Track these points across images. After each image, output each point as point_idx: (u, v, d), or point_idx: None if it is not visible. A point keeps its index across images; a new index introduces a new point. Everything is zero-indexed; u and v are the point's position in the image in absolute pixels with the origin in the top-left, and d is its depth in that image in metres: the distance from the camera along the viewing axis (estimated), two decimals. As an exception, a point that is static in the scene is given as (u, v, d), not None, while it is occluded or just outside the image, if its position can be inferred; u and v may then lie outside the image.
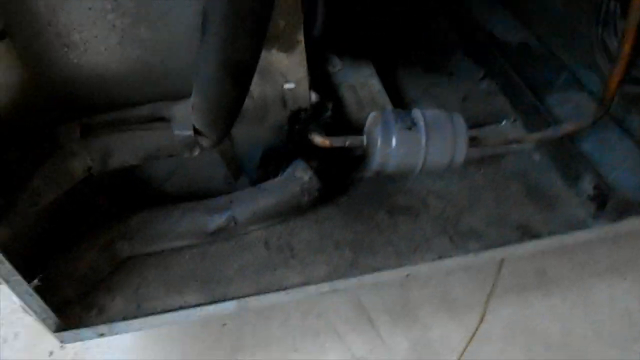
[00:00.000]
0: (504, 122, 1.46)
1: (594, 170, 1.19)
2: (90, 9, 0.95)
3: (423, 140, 1.09)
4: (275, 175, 1.23)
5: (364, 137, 1.16)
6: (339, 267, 1.14)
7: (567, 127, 1.22)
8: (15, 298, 1.02)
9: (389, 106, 1.46)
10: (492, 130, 1.41)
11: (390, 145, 1.10)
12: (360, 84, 1.56)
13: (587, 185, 1.18)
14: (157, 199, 1.23)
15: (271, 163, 1.23)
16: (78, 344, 1.34)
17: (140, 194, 1.23)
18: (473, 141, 1.15)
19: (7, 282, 0.94)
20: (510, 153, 1.34)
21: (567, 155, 1.25)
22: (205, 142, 1.01)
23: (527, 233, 1.16)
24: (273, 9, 0.88)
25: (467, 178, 1.30)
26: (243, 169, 1.25)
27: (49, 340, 1.38)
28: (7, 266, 0.92)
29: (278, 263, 1.16)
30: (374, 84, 1.55)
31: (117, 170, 1.08)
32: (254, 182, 1.25)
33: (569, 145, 1.25)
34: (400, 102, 1.56)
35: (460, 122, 1.13)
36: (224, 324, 1.39)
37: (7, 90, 0.97)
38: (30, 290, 0.98)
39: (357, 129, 1.34)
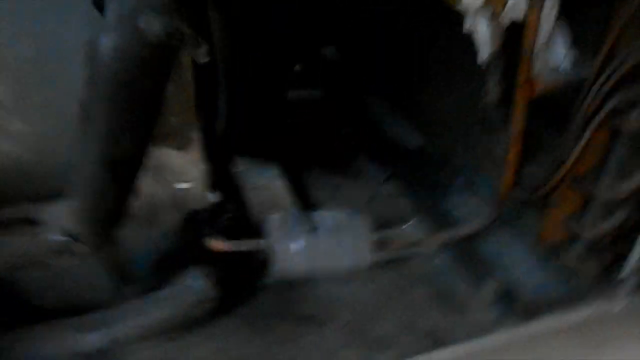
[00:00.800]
0: (407, 224, 1.46)
1: (496, 272, 1.19)
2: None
3: (324, 244, 1.05)
4: (167, 284, 1.10)
5: (265, 241, 1.09)
6: (236, 390, 1.00)
7: (465, 229, 1.24)
8: None
9: (294, 208, 1.42)
10: (396, 233, 1.40)
11: (290, 249, 1.04)
12: (265, 185, 1.52)
13: (491, 287, 1.17)
14: (23, 316, 1.05)
15: (163, 270, 1.11)
16: None
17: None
18: (377, 244, 1.12)
19: None
20: (414, 256, 1.32)
21: (468, 258, 1.26)
22: (81, 248, 0.89)
23: (437, 341, 1.11)
24: (162, 103, 0.83)
25: (374, 282, 1.25)
26: (130, 277, 1.12)
27: None
28: None
29: (165, 389, 1.00)
30: (279, 186, 1.51)
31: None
32: (142, 293, 1.11)
33: (469, 247, 1.26)
34: (306, 204, 1.52)
35: (362, 224, 1.11)
36: None
37: None
38: None
39: (260, 231, 1.27)
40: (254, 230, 1.33)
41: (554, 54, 1.05)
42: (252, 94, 1.47)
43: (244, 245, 1.08)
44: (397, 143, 1.71)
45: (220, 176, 1.44)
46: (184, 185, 1.05)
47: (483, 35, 1.14)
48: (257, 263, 1.22)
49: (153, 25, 0.72)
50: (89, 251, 0.90)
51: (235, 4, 1.23)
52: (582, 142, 1.00)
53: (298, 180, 1.64)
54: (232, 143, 1.61)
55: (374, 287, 1.24)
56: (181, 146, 1.00)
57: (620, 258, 1.13)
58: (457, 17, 1.14)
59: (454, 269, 1.28)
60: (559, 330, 1.22)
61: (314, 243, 1.05)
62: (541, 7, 0.95)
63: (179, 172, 1.03)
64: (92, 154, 0.79)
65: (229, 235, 1.13)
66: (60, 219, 0.88)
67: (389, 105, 1.89)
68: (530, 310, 1.16)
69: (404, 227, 1.42)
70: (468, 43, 1.18)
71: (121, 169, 0.82)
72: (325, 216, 1.09)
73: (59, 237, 0.87)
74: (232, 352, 1.07)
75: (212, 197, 1.14)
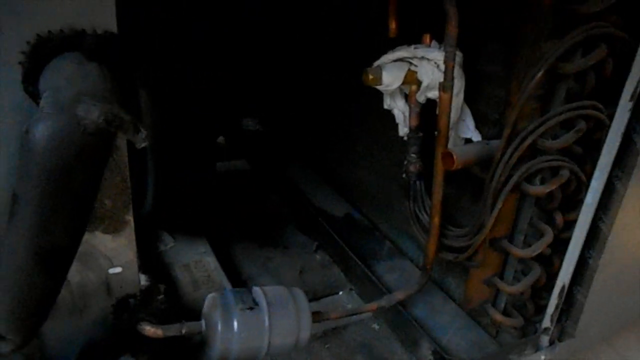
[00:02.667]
0: (340, 293, 1.49)
1: (429, 335, 1.24)
2: None
3: (266, 320, 1.04)
4: (96, 377, 1.03)
5: (202, 322, 1.06)
6: None
7: (398, 296, 1.29)
8: None
9: (227, 284, 1.40)
10: (330, 302, 1.43)
11: (232, 329, 1.02)
12: (195, 262, 1.50)
13: (426, 351, 1.22)
14: None
15: (92, 361, 1.04)
16: None
17: None
18: (316, 316, 1.13)
19: None
20: (351, 324, 1.34)
21: (402, 323, 1.30)
22: (5, 346, 0.81)
23: (380, 410, 1.12)
24: (98, 188, 0.81)
25: (313, 355, 1.25)
26: (54, 373, 1.03)
27: None
28: None
29: None
30: (210, 262, 1.50)
31: None
32: (69, 389, 1.02)
33: (403, 312, 1.30)
34: (238, 279, 1.51)
35: (301, 297, 1.11)
36: None
37: None
38: None
39: (194, 311, 1.24)
40: (189, 309, 1.29)
41: (464, 131, 1.17)
42: (179, 169, 1.47)
43: (180, 328, 1.04)
44: (323, 212, 1.76)
45: (148, 256, 1.41)
46: (116, 270, 1.01)
47: (401, 112, 1.25)
48: (194, 346, 1.17)
49: (92, 113, 0.72)
50: (12, 350, 0.83)
51: (159, 81, 1.26)
52: (496, 208, 1.10)
53: (228, 255, 1.62)
54: (159, 221, 1.58)
55: (314, 360, 1.24)
56: (114, 229, 0.97)
57: (541, 310, 1.22)
58: (377, 94, 1.25)
59: (391, 334, 1.32)
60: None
61: (253, 320, 1.03)
62: (451, 90, 1.07)
63: (112, 256, 0.99)
64: (20, 244, 0.75)
65: (162, 318, 1.08)
66: (-21, 316, 0.81)
67: (315, 175, 1.96)
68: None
69: (338, 295, 1.45)
70: (388, 118, 1.29)
71: (52, 259, 0.78)
72: (263, 291, 1.08)
73: (-22, 337, 0.80)
74: None
75: (144, 279, 1.10)
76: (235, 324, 1.02)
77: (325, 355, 1.25)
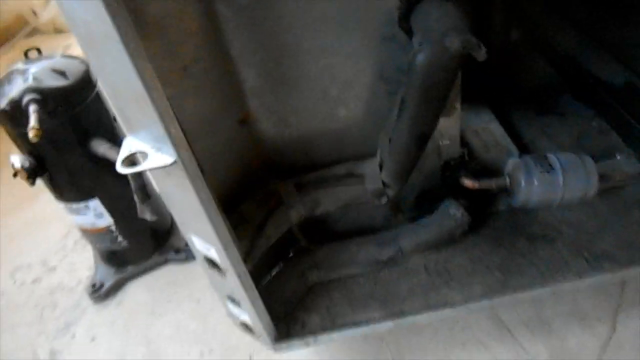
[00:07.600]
0: (618, 157, 1.65)
1: None
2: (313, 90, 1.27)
3: (560, 182, 1.34)
4: (429, 213, 1.50)
5: (507, 179, 1.42)
6: (492, 287, 1.38)
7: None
8: (245, 317, 1.35)
9: (512, 147, 1.70)
10: (610, 164, 1.61)
11: (532, 185, 1.35)
12: (482, 128, 1.81)
13: None
14: (332, 236, 1.54)
15: (425, 203, 1.51)
16: (262, 357, 1.67)
17: (320, 232, 1.54)
18: (602, 178, 1.37)
19: (254, 305, 1.26)
20: (629, 184, 1.54)
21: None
22: (390, 192, 1.31)
23: (657, 254, 1.36)
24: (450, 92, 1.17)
25: (592, 207, 1.51)
26: (401, 208, 1.54)
27: (239, 354, 1.71)
28: (255, 292, 1.24)
29: (440, 285, 1.42)
30: (496, 128, 1.80)
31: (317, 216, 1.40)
32: (410, 220, 1.53)
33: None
34: (520, 143, 1.78)
35: (590, 163, 1.36)
36: (383, 339, 1.66)
37: (243, 159, 1.32)
38: (264, 309, 1.30)
39: (486, 169, 1.60)
40: (481, 166, 1.65)
41: None
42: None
43: (491, 183, 1.41)
44: (602, 81, 1.84)
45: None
46: (445, 142, 1.40)
47: None
48: (492, 196, 1.56)
49: (454, 42, 1.04)
50: (393, 194, 1.32)
51: None
52: None
53: (508, 122, 1.89)
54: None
55: (593, 211, 1.50)
56: (447, 114, 1.34)
57: None
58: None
59: (670, 196, 1.48)
60: None
61: (550, 181, 1.34)
62: None
63: (443, 132, 1.38)
64: (405, 130, 1.17)
65: (474, 175, 1.47)
66: (375, 173, 1.30)
67: (590, 42, 1.99)
68: None
69: (618, 159, 1.63)
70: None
71: (422, 139, 1.20)
72: (557, 157, 1.36)
73: (377, 186, 1.30)
74: (483, 261, 1.45)
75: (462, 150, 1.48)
76: (536, 182, 1.34)
77: (603, 207, 1.49)
